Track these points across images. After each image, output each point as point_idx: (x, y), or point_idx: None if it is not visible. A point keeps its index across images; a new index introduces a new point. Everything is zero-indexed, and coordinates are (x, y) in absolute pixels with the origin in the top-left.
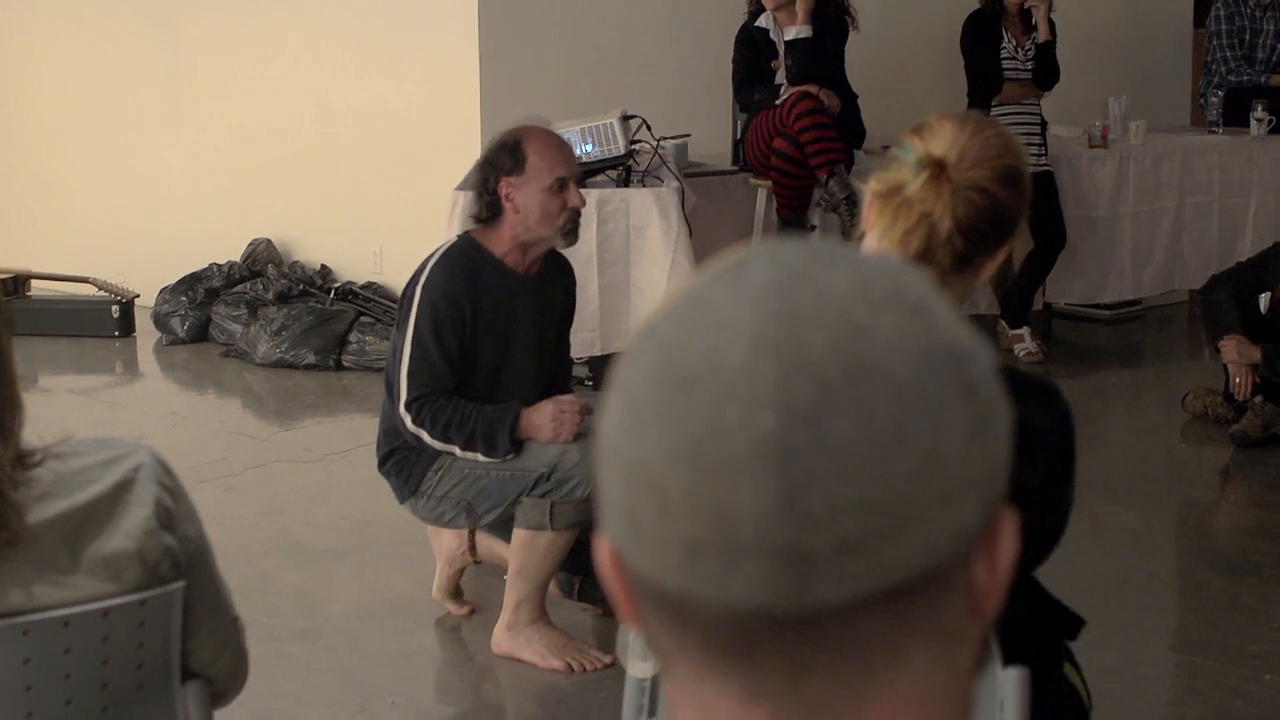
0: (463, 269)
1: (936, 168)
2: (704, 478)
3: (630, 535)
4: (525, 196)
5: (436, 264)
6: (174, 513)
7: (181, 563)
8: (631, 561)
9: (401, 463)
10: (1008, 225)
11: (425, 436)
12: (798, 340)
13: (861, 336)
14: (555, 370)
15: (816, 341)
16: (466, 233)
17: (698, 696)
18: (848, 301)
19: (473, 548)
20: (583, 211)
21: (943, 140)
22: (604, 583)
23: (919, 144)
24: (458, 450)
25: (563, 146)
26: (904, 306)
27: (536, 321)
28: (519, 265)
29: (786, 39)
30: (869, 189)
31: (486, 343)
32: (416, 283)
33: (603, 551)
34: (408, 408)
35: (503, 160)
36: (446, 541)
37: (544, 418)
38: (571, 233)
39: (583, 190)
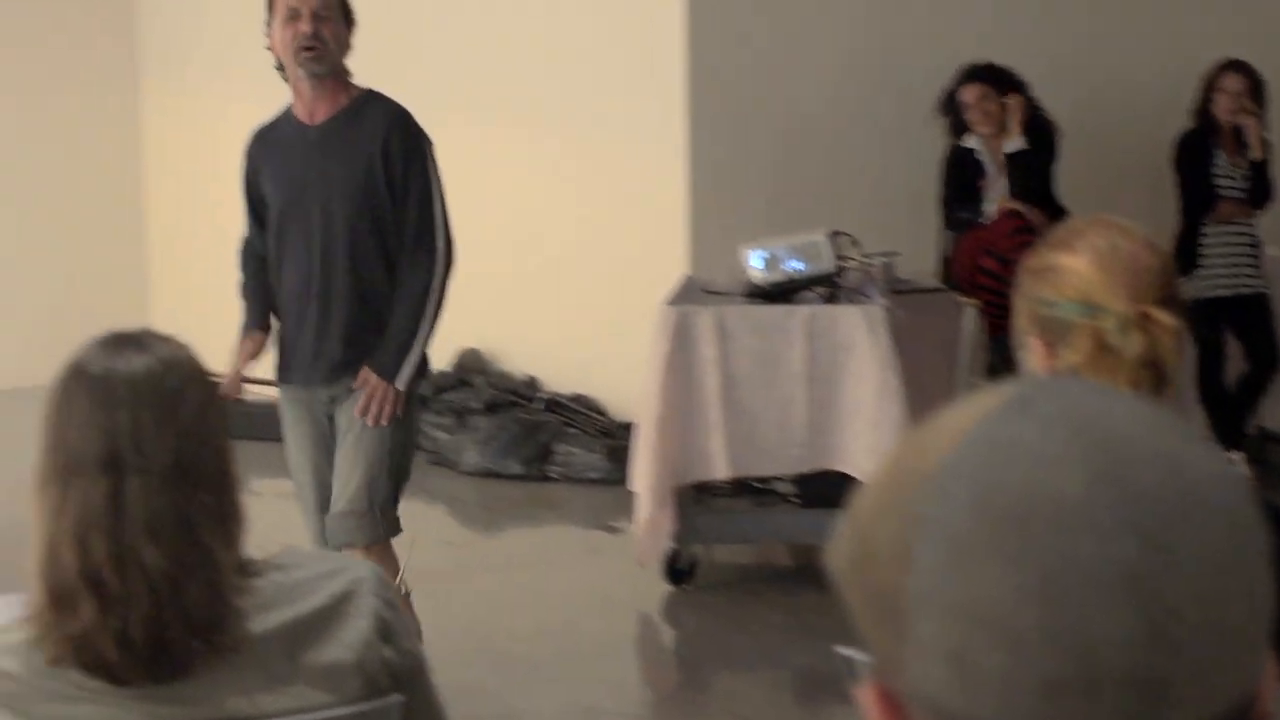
0: (260, 129)
1: (1143, 320)
2: (1062, 613)
3: (959, 680)
4: (275, 37)
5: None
6: (393, 626)
7: (400, 676)
8: (954, 708)
9: None
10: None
11: (439, 282)
12: (1130, 471)
13: (1179, 466)
14: (395, 224)
15: (1146, 471)
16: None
17: None
18: (1151, 433)
19: None
20: (789, 327)
21: (1106, 284)
22: None
23: (1072, 293)
24: (429, 306)
25: None
26: (1190, 436)
27: (324, 169)
28: (303, 114)
29: (1006, 151)
30: (1064, 362)
31: (271, 192)
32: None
33: (873, 699)
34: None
35: (267, 12)
36: None
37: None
38: (308, 60)
39: (790, 306)
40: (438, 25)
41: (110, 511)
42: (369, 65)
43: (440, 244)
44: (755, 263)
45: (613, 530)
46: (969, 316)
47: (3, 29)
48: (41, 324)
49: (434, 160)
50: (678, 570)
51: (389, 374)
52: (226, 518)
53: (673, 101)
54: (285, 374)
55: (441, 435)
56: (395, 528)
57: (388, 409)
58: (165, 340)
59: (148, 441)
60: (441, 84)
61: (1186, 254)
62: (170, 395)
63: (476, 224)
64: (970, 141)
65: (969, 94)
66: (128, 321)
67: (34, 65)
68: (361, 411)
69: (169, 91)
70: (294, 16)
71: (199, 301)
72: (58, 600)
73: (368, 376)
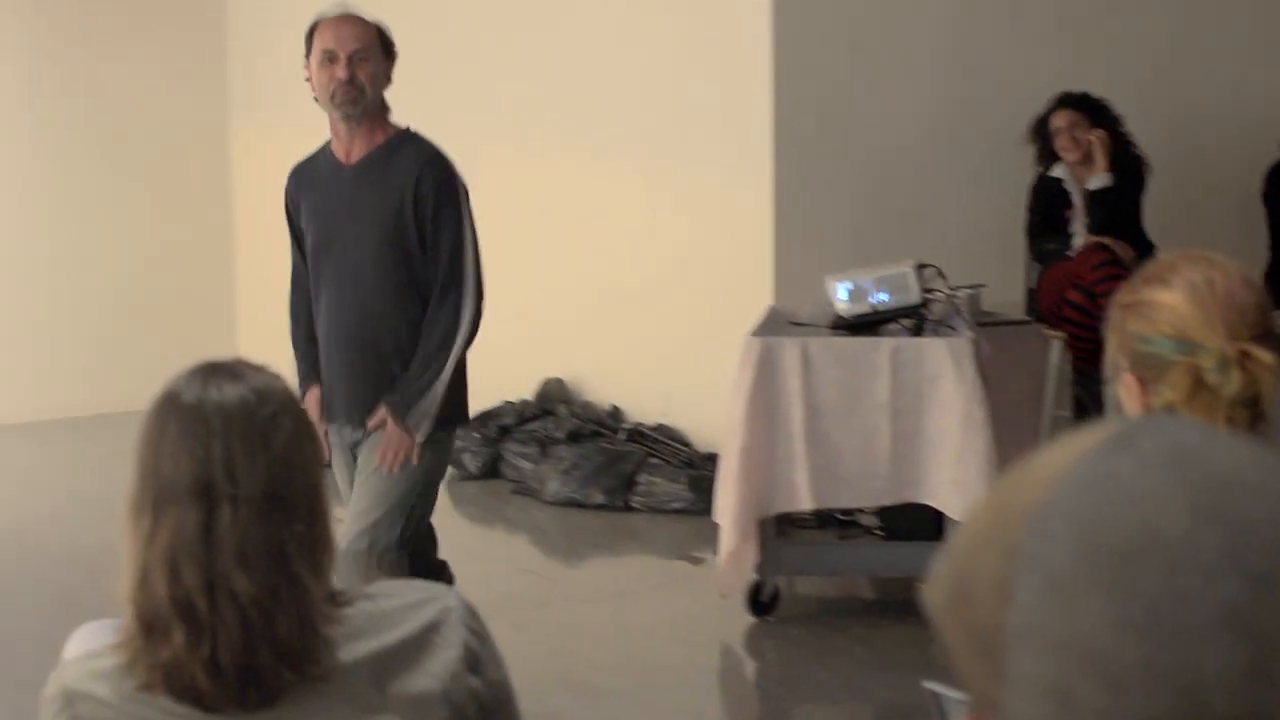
0: (299, 165)
1: (1242, 358)
2: (1164, 649)
3: (1058, 717)
4: (314, 74)
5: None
6: (480, 656)
7: (488, 706)
8: None
9: None
10: None
11: (466, 328)
12: (1233, 507)
13: None
14: (425, 267)
15: (1249, 507)
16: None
17: None
18: (1253, 469)
19: None
20: (874, 359)
21: (1203, 321)
22: None
23: (1169, 329)
24: (454, 352)
25: (343, 25)
26: None
27: (356, 208)
28: (340, 152)
29: (1089, 188)
30: (1161, 399)
31: (307, 229)
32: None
33: None
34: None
35: (305, 47)
36: None
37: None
38: (343, 103)
39: (875, 338)
40: (529, 57)
41: (202, 539)
42: (461, 94)
43: (470, 291)
44: (840, 294)
45: (695, 561)
46: (1055, 350)
47: (98, 69)
48: (132, 352)
49: (468, 205)
50: (760, 602)
51: (400, 414)
52: (317, 547)
53: (758, 132)
54: (326, 412)
55: (524, 464)
56: (395, 569)
57: (400, 458)
58: (258, 370)
59: (240, 470)
60: (530, 115)
61: (1276, 287)
62: (263, 424)
63: (561, 254)
64: (1057, 171)
65: (1061, 119)
66: (216, 352)
67: (127, 101)
68: (381, 457)
69: (257, 124)
70: (330, 59)
71: (286, 334)
72: (149, 627)
73: (384, 418)
